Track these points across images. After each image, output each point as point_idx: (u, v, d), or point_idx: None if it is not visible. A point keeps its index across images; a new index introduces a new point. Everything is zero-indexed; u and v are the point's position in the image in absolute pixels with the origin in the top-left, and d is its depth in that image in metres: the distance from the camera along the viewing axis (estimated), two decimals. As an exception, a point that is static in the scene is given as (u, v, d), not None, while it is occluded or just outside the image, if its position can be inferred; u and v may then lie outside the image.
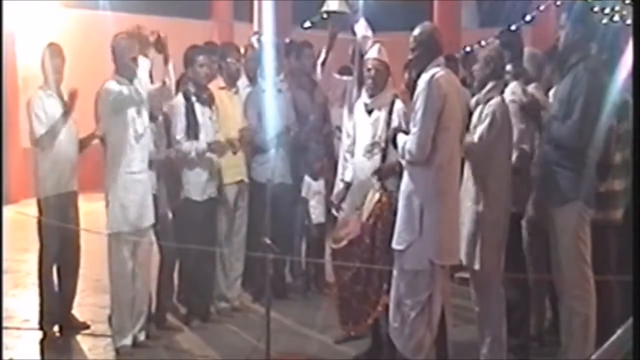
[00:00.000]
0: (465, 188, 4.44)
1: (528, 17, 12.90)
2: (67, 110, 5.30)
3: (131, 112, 4.99)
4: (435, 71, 4.25)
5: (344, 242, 4.78)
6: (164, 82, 5.15)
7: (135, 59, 5.00)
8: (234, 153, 5.74)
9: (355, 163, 5.01)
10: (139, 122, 5.05)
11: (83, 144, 5.48)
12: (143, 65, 5.11)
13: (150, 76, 5.26)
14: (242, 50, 6.44)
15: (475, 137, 4.32)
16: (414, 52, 4.39)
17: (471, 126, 4.40)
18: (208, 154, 5.58)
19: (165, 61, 5.15)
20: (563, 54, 4.42)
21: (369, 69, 4.95)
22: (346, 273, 4.77)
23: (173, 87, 5.37)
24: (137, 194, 5.03)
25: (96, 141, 5.38)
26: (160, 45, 5.10)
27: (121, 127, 4.97)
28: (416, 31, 4.41)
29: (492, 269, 4.40)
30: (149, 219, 5.14)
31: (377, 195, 4.69)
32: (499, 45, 4.89)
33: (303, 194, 6.29)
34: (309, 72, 6.26)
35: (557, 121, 4.31)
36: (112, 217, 5.01)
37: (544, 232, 4.50)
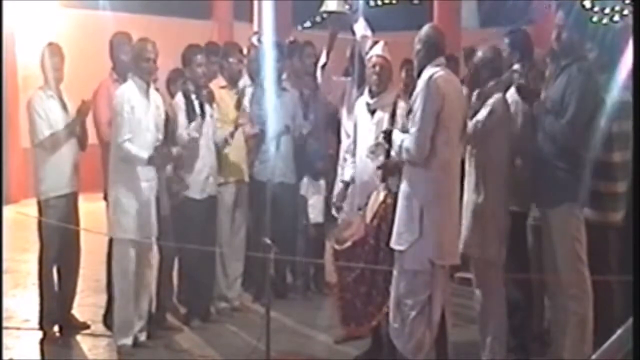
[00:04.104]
0: (466, 180, 4.45)
1: (528, 17, 12.90)
2: (74, 119, 5.29)
3: (139, 117, 4.96)
4: (434, 71, 4.25)
5: (348, 244, 4.72)
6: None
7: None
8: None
9: (358, 163, 4.97)
10: (148, 128, 5.02)
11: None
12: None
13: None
14: (244, 51, 6.44)
15: (477, 122, 4.35)
16: (419, 54, 4.39)
17: (473, 118, 4.41)
18: (209, 148, 5.59)
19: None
20: (558, 53, 4.41)
21: (373, 65, 4.92)
22: (350, 274, 4.72)
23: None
24: (140, 203, 4.99)
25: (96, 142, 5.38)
26: None
27: (128, 130, 4.92)
28: (420, 32, 4.42)
29: (492, 257, 4.40)
30: (152, 230, 5.12)
31: (381, 197, 4.64)
32: (507, 45, 4.89)
33: (302, 192, 6.28)
34: (312, 72, 6.26)
35: (550, 119, 4.31)
36: (114, 224, 4.99)
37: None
